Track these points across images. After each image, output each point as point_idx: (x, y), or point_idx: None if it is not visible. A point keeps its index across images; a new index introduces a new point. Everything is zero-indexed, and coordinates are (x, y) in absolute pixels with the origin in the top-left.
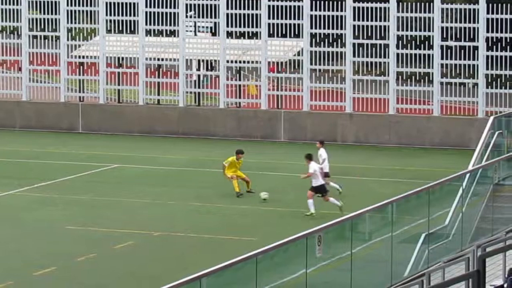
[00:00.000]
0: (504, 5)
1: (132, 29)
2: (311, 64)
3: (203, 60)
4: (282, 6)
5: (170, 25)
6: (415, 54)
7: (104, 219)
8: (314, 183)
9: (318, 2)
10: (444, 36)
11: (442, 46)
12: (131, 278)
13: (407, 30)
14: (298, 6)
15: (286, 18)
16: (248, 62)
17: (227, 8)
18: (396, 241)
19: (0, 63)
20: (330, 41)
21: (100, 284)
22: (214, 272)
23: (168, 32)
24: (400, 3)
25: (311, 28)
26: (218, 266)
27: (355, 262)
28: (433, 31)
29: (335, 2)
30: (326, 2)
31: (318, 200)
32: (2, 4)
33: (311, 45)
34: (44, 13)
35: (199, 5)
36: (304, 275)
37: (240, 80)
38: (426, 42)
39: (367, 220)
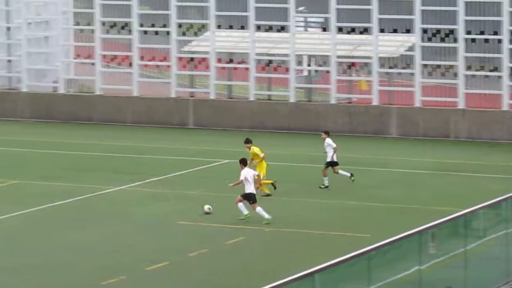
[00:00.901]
0: None
1: (243, 24)
2: (422, 59)
3: (313, 56)
4: (393, 1)
5: (281, 20)
6: None
7: (216, 214)
8: (246, 190)
9: None
10: None
11: None
12: (242, 274)
13: None
14: (410, 1)
15: (397, 13)
16: (359, 57)
17: (338, 3)
18: (511, 238)
19: (111, 58)
20: (442, 36)
21: (212, 280)
22: (327, 268)
23: (279, 28)
24: None
25: (423, 23)
26: (331, 262)
27: (469, 259)
28: None
29: None
30: None
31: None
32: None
33: (422, 40)
34: (154, 9)
35: (310, 0)
36: (417, 272)
37: (351, 75)
38: None
39: (481, 217)
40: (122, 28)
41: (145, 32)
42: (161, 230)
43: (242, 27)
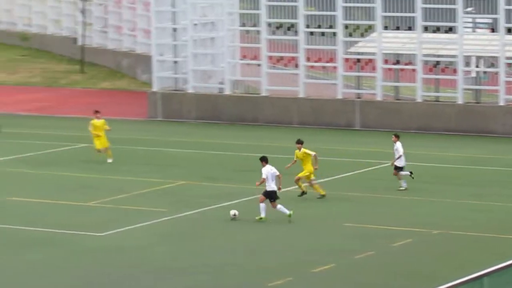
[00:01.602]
0: None
1: (410, 25)
2: None
3: (482, 57)
4: None
5: (448, 21)
6: None
7: (382, 216)
8: (267, 188)
9: None
10: None
11: None
12: (408, 276)
13: None
14: None
15: None
16: None
17: (506, 4)
18: None
19: (277, 59)
20: None
21: (378, 282)
22: (496, 271)
23: (447, 29)
24: None
25: None
26: (500, 266)
27: None
28: None
29: None
30: None
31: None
32: (279, 1)
33: None
34: (321, 10)
35: (478, 0)
36: None
37: None
38: None
39: None
40: (288, 29)
41: (311, 33)
42: (327, 232)
43: (409, 28)
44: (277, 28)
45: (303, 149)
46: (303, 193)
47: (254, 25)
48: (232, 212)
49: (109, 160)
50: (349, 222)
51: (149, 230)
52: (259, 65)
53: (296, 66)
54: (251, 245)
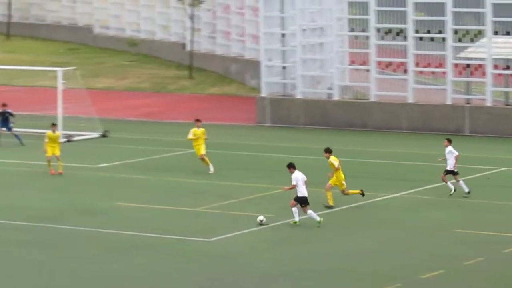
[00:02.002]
0: None
1: None
2: None
3: None
4: None
5: None
6: None
7: (493, 223)
8: (298, 193)
9: None
10: None
11: None
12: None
13: None
14: None
15: None
16: None
17: None
18: None
19: (386, 65)
20: None
21: None
22: None
23: None
24: None
25: None
26: None
27: None
28: None
29: None
30: None
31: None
32: (389, 6)
33: None
34: (430, 15)
35: None
36: None
37: None
38: None
39: None
40: (397, 34)
41: (421, 38)
42: (436, 237)
43: None
44: (386, 33)
45: (331, 157)
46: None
47: (363, 31)
48: (260, 218)
49: (211, 171)
50: (459, 228)
51: (257, 235)
52: (368, 70)
53: (405, 71)
54: (358, 250)
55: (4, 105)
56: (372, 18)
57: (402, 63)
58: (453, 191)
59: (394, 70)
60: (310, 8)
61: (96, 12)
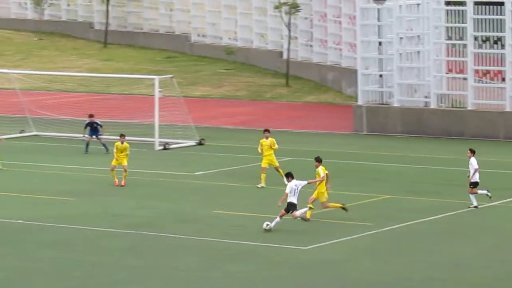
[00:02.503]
0: None
1: None
2: None
3: None
4: None
5: None
6: None
7: None
8: (288, 199)
9: None
10: None
11: None
12: None
13: None
14: None
15: None
16: None
17: None
18: None
19: (484, 73)
20: None
21: None
22: None
23: None
24: None
25: None
26: None
27: None
28: None
29: None
30: None
31: None
32: (486, 14)
33: None
34: None
35: None
36: None
37: None
38: None
39: None
40: (495, 42)
41: None
42: None
43: None
44: (484, 41)
45: (320, 167)
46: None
47: (461, 39)
48: (265, 224)
49: (260, 185)
50: None
51: (353, 244)
52: (465, 78)
53: (503, 80)
54: (457, 259)
55: (91, 115)
56: (469, 26)
57: (500, 72)
58: (474, 206)
59: (492, 79)
60: (407, 16)
61: (193, 20)
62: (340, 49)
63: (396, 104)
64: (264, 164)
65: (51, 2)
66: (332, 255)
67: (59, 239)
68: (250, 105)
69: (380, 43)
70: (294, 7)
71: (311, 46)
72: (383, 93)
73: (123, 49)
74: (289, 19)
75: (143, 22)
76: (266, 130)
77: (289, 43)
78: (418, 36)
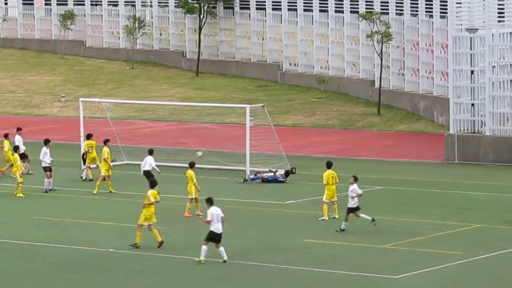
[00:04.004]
0: None
1: None
2: None
3: None
4: None
5: None
6: None
7: None
8: (212, 228)
9: None
10: None
11: None
12: None
13: None
14: None
15: None
16: None
17: None
18: None
19: None
20: None
21: None
22: None
23: None
24: None
25: None
26: None
27: None
28: None
29: None
30: None
31: None
32: None
33: None
34: None
35: None
36: None
37: None
38: None
39: None
40: None
41: None
42: None
43: None
44: None
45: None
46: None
47: None
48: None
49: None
50: None
51: (445, 273)
52: None
53: None
54: None
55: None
56: None
57: None
58: None
59: None
60: (500, 44)
61: (285, 49)
62: (432, 78)
63: (488, 133)
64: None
65: (143, 31)
66: (424, 284)
67: (149, 268)
68: (342, 134)
69: (472, 72)
70: (386, 36)
71: (403, 74)
72: (475, 121)
73: (215, 78)
74: (381, 48)
75: (235, 51)
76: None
77: (381, 71)
78: (511, 64)
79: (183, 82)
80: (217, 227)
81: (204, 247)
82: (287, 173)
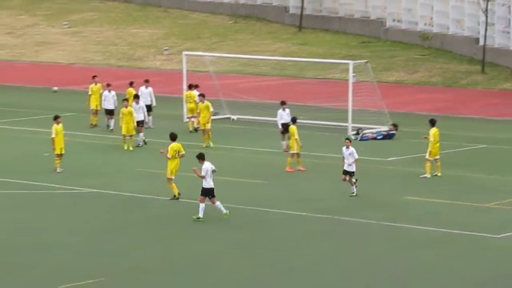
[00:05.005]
0: None
1: None
2: None
3: None
4: None
5: None
6: None
7: None
8: (205, 185)
9: None
10: None
11: None
12: None
13: None
14: None
15: None
16: None
17: None
18: None
19: None
20: None
21: None
22: None
23: None
24: None
25: None
26: None
27: None
28: None
29: None
30: None
31: None
32: None
33: None
34: None
35: None
36: None
37: None
38: None
39: None
40: None
41: None
42: None
43: None
44: None
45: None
46: None
47: None
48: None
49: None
50: None
51: None
52: None
53: None
54: None
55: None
56: None
57: None
58: None
59: None
60: None
61: (388, 5)
62: None
63: None
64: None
65: None
66: None
67: (248, 222)
68: (444, 91)
69: None
70: None
71: (508, 33)
72: None
73: (318, 33)
74: (487, 6)
75: (339, 6)
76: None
77: (486, 29)
78: None
79: (286, 37)
80: (208, 182)
81: (202, 205)
82: (395, 125)
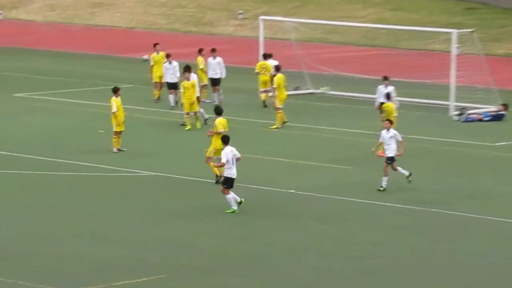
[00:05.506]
0: None
1: None
2: None
3: None
4: None
5: None
6: None
7: None
8: (227, 174)
9: None
10: None
11: None
12: None
13: None
14: None
15: None
16: None
17: None
18: None
19: None
20: None
21: None
22: None
23: None
24: None
25: None
26: None
27: None
28: None
29: None
30: None
31: None
32: None
33: None
34: None
35: None
36: None
37: None
38: None
39: None
40: None
41: None
42: None
43: None
44: None
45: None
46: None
47: None
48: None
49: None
50: None
51: None
52: None
53: None
54: None
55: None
56: None
57: None
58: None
59: None
60: None
61: None
62: None
63: None
64: None
65: None
66: None
67: (331, 213)
68: None
69: None
70: None
71: None
72: None
73: None
74: None
75: None
76: None
77: None
78: None
79: (378, 1)
80: (233, 172)
81: (228, 196)
82: (505, 105)
